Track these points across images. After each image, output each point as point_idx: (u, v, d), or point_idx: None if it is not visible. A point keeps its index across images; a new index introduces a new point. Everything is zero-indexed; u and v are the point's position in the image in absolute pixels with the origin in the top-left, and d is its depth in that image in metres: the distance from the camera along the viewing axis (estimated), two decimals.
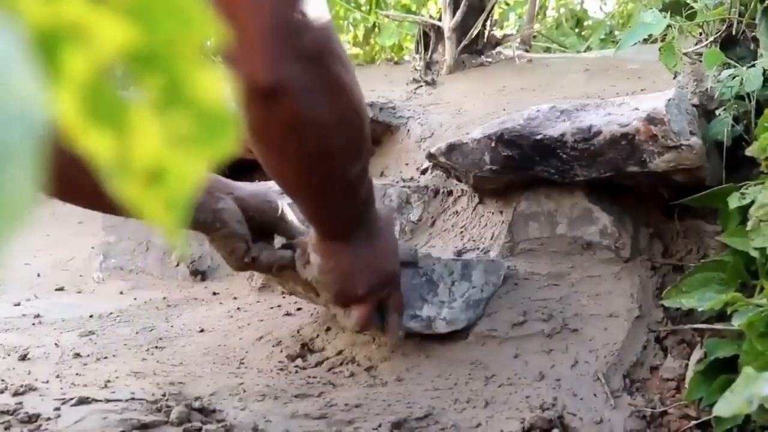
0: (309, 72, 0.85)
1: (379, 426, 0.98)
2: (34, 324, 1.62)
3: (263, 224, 1.16)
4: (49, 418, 0.99)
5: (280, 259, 1.14)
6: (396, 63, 2.80)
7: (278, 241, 1.22)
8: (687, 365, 1.12)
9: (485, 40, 2.33)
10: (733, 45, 1.33)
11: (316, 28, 0.84)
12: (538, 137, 1.24)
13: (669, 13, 1.30)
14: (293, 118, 0.87)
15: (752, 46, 1.30)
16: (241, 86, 0.82)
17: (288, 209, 1.21)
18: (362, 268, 1.09)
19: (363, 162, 1.00)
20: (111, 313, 1.68)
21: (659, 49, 1.30)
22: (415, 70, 2.25)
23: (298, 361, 1.26)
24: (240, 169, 2.00)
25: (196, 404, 1.02)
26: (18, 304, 1.84)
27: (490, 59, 2.31)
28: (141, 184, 0.22)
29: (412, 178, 1.71)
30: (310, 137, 0.90)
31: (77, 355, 1.29)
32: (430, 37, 2.34)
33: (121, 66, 0.21)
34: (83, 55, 0.21)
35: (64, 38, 0.21)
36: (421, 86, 2.16)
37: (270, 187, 1.26)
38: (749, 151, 1.09)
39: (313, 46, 0.85)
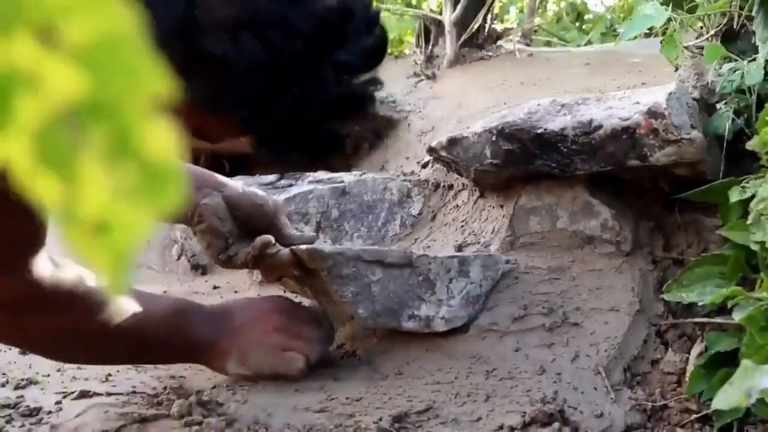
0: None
1: (380, 419, 0.99)
2: None
3: (253, 225, 1.16)
4: (50, 412, 0.99)
5: (253, 255, 1.15)
6: (396, 57, 2.79)
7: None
8: (687, 359, 1.12)
9: (486, 34, 2.33)
10: (734, 38, 1.32)
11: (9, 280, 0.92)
12: (539, 131, 1.24)
13: (670, 5, 1.30)
14: None
15: (753, 40, 1.30)
16: None
17: (282, 214, 1.21)
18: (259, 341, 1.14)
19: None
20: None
21: (660, 42, 1.30)
22: (416, 63, 2.25)
23: None
24: (239, 163, 2.00)
25: (197, 398, 1.02)
26: None
27: (490, 53, 2.30)
28: (87, 234, 0.22)
29: (412, 172, 1.71)
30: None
31: None
32: (430, 30, 2.34)
33: (72, 114, 0.21)
34: (35, 101, 0.21)
35: (16, 83, 0.21)
36: (422, 80, 2.16)
37: (270, 181, 1.26)
38: (750, 145, 1.09)
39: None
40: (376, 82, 0.95)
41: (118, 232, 0.22)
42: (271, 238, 1.13)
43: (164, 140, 0.22)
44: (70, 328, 0.98)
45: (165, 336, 1.10)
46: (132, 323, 1.03)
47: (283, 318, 1.17)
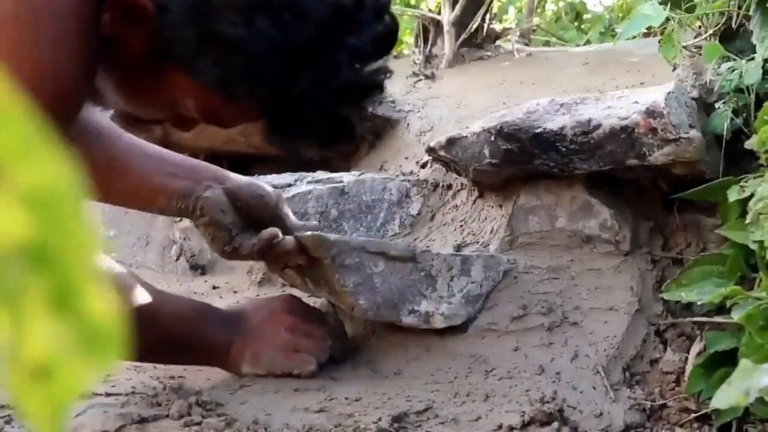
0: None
1: (379, 419, 0.99)
2: None
3: (256, 217, 1.16)
4: None
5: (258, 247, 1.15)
6: (395, 57, 2.79)
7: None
8: (687, 358, 1.12)
9: (484, 33, 2.33)
10: (733, 38, 1.32)
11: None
12: (538, 131, 1.24)
13: (668, 5, 1.30)
14: None
15: (752, 39, 1.30)
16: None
17: (284, 205, 1.21)
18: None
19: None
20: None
21: (659, 41, 1.30)
22: (415, 63, 2.25)
23: None
24: (239, 163, 2.00)
25: (197, 398, 1.02)
26: None
27: (489, 53, 2.30)
28: (28, 377, 0.21)
29: (411, 172, 1.71)
30: None
31: None
32: (429, 30, 2.34)
33: (18, 257, 0.21)
34: None
35: None
36: (421, 80, 2.15)
37: (269, 181, 1.26)
38: (749, 144, 1.09)
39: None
40: (386, 71, 0.95)
41: (57, 381, 0.22)
42: (277, 230, 1.14)
43: (104, 301, 0.22)
44: None
45: (185, 337, 1.11)
46: (156, 322, 1.04)
47: (294, 318, 1.18)
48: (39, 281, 0.21)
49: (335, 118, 0.94)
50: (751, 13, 1.22)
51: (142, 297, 1.03)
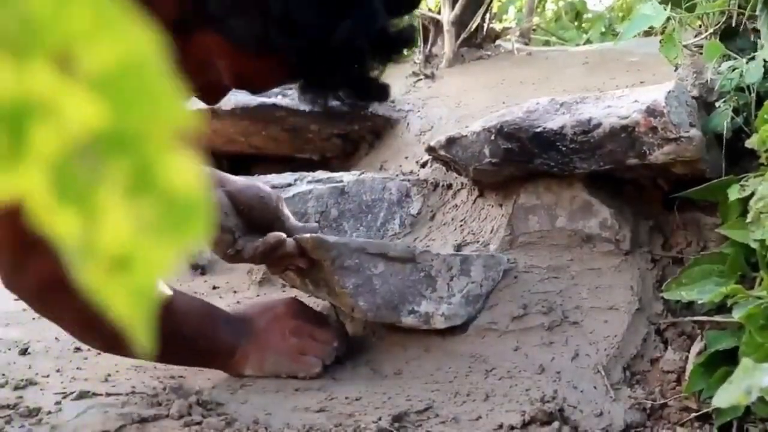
0: (35, 304, 1.02)
1: (380, 419, 0.98)
2: (34, 318, 1.62)
3: (257, 218, 1.16)
4: (49, 412, 0.99)
5: (261, 250, 1.15)
6: None
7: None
8: (687, 357, 1.12)
9: (484, 33, 2.33)
10: (733, 37, 1.32)
11: (39, 263, 0.92)
12: (538, 130, 1.24)
13: (669, 4, 1.30)
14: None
15: (752, 38, 1.30)
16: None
17: (284, 206, 1.21)
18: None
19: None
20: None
21: (660, 41, 1.30)
22: (415, 63, 2.25)
23: None
24: (239, 163, 2.00)
25: (197, 398, 1.02)
26: (18, 299, 1.83)
27: (489, 52, 2.30)
28: (106, 271, 0.21)
29: (411, 172, 1.71)
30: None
31: (78, 349, 1.29)
32: (429, 30, 2.34)
33: (91, 145, 0.20)
34: (52, 131, 0.20)
35: (32, 112, 0.20)
36: (421, 80, 2.15)
37: (269, 181, 1.26)
38: (749, 143, 1.09)
39: (36, 282, 0.95)
40: (413, 29, 0.95)
41: (139, 269, 0.21)
42: (282, 234, 1.14)
43: (188, 172, 0.21)
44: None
45: (193, 338, 1.11)
46: (167, 322, 1.04)
47: (298, 321, 1.18)
48: (116, 166, 0.20)
49: (370, 69, 0.93)
50: (757, 12, 1.22)
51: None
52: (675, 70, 1.35)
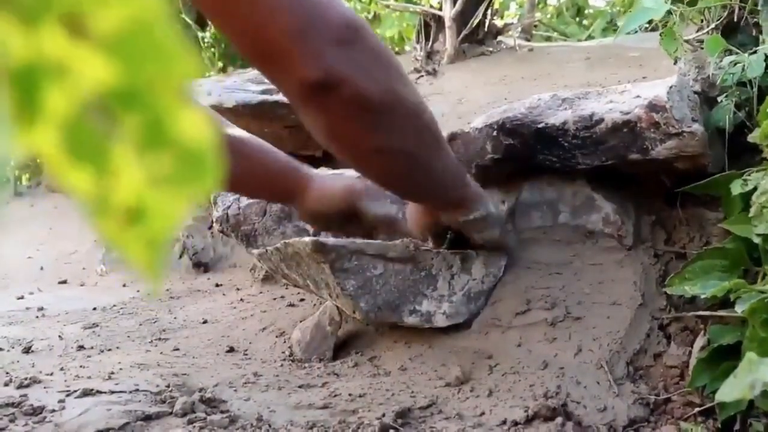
0: (351, 53, 0.82)
1: (383, 415, 0.99)
2: (37, 317, 1.63)
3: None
4: (53, 410, 0.99)
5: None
6: (397, 53, 2.79)
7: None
8: (690, 352, 1.12)
9: (486, 29, 2.33)
10: (735, 31, 1.32)
11: (338, 8, 0.82)
12: (540, 126, 1.23)
13: None
14: (353, 101, 0.83)
15: (754, 33, 1.30)
16: (294, 93, 0.81)
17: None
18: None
19: (442, 148, 1.03)
20: (114, 306, 1.68)
21: (660, 35, 1.29)
22: (416, 60, 2.25)
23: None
24: None
25: (200, 395, 1.02)
26: (21, 298, 1.84)
27: (490, 49, 2.30)
28: (121, 223, 0.22)
29: None
30: (375, 121, 0.87)
31: (81, 347, 1.30)
32: (430, 26, 2.34)
33: (103, 103, 0.21)
34: (64, 90, 0.21)
35: (45, 73, 0.21)
36: (422, 76, 2.15)
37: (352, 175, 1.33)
38: (751, 138, 1.09)
39: (344, 27, 0.81)
40: None
41: (152, 219, 0.22)
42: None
43: (197, 126, 0.22)
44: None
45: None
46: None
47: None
48: (128, 122, 0.21)
49: None
50: (759, 7, 1.22)
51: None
52: (674, 63, 1.35)
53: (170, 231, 0.22)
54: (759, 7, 1.22)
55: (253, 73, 2.09)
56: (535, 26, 2.98)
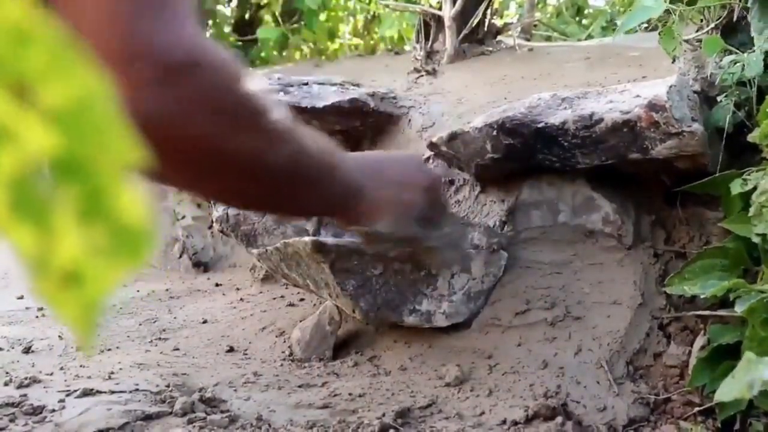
0: (174, 91, 0.70)
1: (383, 415, 0.99)
2: (37, 316, 1.63)
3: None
4: (53, 410, 0.99)
5: None
6: (396, 53, 2.79)
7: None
8: (690, 352, 1.12)
9: (486, 29, 2.33)
10: (734, 31, 1.32)
11: (177, 33, 0.74)
12: (540, 125, 1.23)
13: None
14: (168, 147, 0.72)
15: (751, 31, 1.30)
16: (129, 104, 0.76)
17: None
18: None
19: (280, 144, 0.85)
20: (114, 305, 1.68)
21: (659, 34, 1.29)
22: (416, 59, 2.25)
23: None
24: None
25: (200, 395, 1.03)
26: (21, 297, 1.84)
27: (490, 48, 2.30)
28: (58, 285, 0.22)
29: None
30: (197, 168, 0.76)
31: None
32: (430, 26, 2.34)
33: (46, 170, 0.22)
34: (10, 153, 0.21)
35: None
36: (422, 76, 2.15)
37: None
38: (751, 138, 1.09)
39: (173, 61, 0.72)
40: None
41: (88, 285, 0.23)
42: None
43: (135, 202, 0.22)
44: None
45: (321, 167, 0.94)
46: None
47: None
48: (68, 190, 0.22)
49: None
50: (749, 4, 1.22)
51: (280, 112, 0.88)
52: (673, 62, 1.35)
53: (105, 297, 0.23)
54: (749, 4, 1.22)
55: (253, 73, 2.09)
56: (535, 26, 2.98)
